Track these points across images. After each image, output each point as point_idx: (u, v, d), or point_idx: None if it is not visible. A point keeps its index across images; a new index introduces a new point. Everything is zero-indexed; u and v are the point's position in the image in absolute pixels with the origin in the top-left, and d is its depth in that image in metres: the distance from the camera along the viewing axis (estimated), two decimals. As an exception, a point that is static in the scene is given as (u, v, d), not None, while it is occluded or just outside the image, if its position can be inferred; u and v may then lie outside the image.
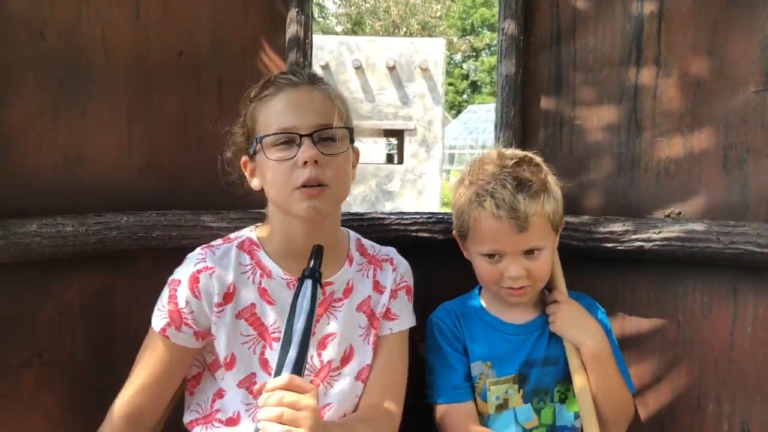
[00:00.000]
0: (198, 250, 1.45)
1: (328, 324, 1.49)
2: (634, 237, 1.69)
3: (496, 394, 1.58)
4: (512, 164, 1.54)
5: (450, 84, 37.89)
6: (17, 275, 1.61)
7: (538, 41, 1.85)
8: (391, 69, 13.64)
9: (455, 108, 38.51)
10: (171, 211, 1.72)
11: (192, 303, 1.39)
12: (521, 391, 1.59)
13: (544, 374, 1.60)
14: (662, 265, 1.73)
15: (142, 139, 1.75)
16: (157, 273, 1.51)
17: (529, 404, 1.59)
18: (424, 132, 14.06)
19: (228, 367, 1.43)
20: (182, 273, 1.41)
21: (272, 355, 1.43)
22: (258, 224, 1.55)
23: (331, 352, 1.49)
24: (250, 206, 1.73)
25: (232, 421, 1.44)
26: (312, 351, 1.47)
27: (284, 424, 1.16)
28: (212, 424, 1.46)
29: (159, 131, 1.77)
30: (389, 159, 19.27)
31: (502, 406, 1.59)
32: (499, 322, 1.63)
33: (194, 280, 1.39)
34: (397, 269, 1.60)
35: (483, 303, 1.67)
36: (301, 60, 1.76)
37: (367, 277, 1.56)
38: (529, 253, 1.52)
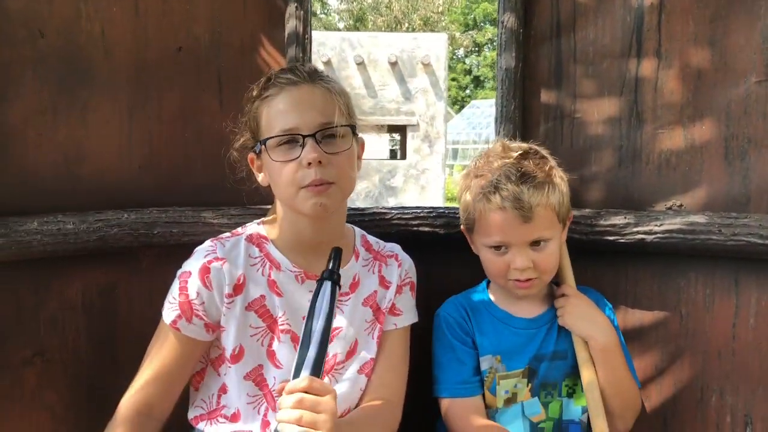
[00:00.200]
0: (207, 242, 1.47)
1: (334, 318, 1.49)
2: (635, 230, 1.68)
3: (506, 388, 1.59)
4: (517, 156, 1.55)
5: (453, 79, 37.83)
6: (19, 273, 1.61)
7: (538, 34, 1.85)
8: (393, 65, 13.63)
9: (458, 103, 38.47)
10: (172, 207, 1.72)
11: (203, 294, 1.40)
12: (530, 385, 1.59)
13: (553, 368, 1.60)
14: (664, 258, 1.72)
15: (142, 136, 1.75)
16: (159, 270, 1.52)
17: (537, 398, 1.59)
18: (426, 127, 14.05)
19: (234, 360, 1.43)
20: (192, 265, 1.42)
21: (280, 348, 1.44)
22: (263, 219, 1.56)
23: (336, 346, 1.50)
24: (251, 203, 1.73)
25: (235, 417, 1.45)
26: None
27: (303, 426, 1.17)
28: (217, 420, 1.47)
29: (159, 128, 1.76)
30: (392, 155, 19.27)
31: (511, 400, 1.59)
32: (509, 316, 1.63)
33: (205, 271, 1.40)
34: (402, 265, 1.61)
35: (491, 297, 1.67)
36: (301, 55, 1.76)
37: (373, 272, 1.58)
38: (536, 244, 1.53)
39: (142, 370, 1.44)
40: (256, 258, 1.46)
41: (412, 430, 1.61)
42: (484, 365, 1.60)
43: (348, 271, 1.53)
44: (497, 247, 1.54)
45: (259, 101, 1.43)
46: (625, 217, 1.70)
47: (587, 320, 1.58)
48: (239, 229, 1.54)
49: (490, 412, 1.60)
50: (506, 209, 1.49)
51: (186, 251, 1.47)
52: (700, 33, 1.69)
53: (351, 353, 1.52)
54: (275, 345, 1.45)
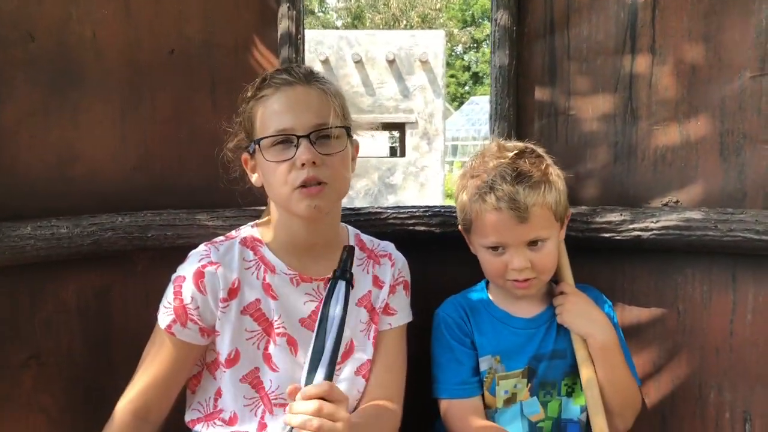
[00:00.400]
0: (201, 246, 1.46)
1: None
2: (631, 226, 1.68)
3: (505, 388, 1.58)
4: (512, 156, 1.54)
5: (451, 76, 37.80)
6: (13, 278, 1.60)
7: (532, 31, 1.84)
8: (391, 62, 13.62)
9: (457, 100, 38.43)
10: (166, 210, 1.71)
11: (197, 298, 1.39)
12: (529, 384, 1.59)
13: (552, 367, 1.59)
14: (661, 255, 1.71)
15: (135, 138, 1.74)
16: (154, 273, 1.52)
17: (536, 397, 1.59)
18: (425, 124, 14.05)
19: (230, 364, 1.43)
20: (187, 269, 1.42)
21: (276, 351, 1.44)
22: (257, 222, 1.56)
23: None
24: (246, 204, 1.72)
25: (232, 421, 1.45)
26: None
27: None
28: (214, 422, 1.46)
29: (152, 130, 1.76)
30: (392, 152, 19.25)
31: (510, 400, 1.59)
32: (508, 316, 1.63)
33: (199, 275, 1.40)
34: (396, 264, 1.60)
35: (490, 297, 1.66)
36: (294, 56, 1.75)
37: (367, 272, 1.57)
38: (533, 244, 1.52)
39: (138, 375, 1.43)
40: (250, 261, 1.46)
41: (412, 430, 1.60)
42: (484, 366, 1.59)
43: None
44: (494, 248, 1.54)
45: (254, 101, 1.42)
46: (621, 214, 1.70)
47: (586, 318, 1.57)
48: (233, 232, 1.53)
49: (490, 412, 1.60)
50: (502, 210, 1.48)
51: (181, 254, 1.47)
52: (694, 29, 1.68)
53: (347, 354, 1.51)
54: (271, 348, 1.44)
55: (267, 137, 1.38)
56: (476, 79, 40.96)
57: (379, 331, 1.56)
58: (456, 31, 36.57)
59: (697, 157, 1.69)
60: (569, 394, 1.61)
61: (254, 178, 1.48)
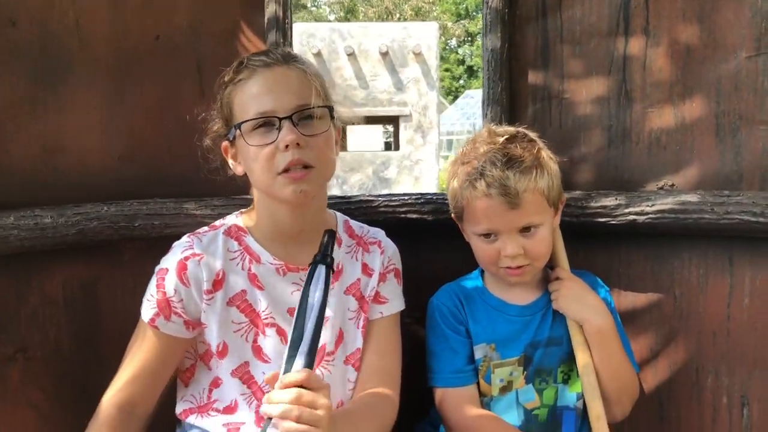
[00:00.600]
0: (184, 237, 1.44)
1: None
2: (627, 211, 1.66)
3: (501, 376, 1.56)
4: (503, 141, 1.51)
5: (446, 70, 37.78)
6: (-3, 269, 1.58)
7: (524, 14, 1.81)
8: (384, 55, 13.59)
9: (452, 94, 38.42)
10: (153, 199, 1.69)
11: (180, 291, 1.37)
12: (525, 372, 1.57)
13: (548, 355, 1.57)
14: (657, 239, 1.70)
15: (122, 127, 1.71)
16: (142, 263, 1.49)
17: (531, 385, 1.57)
18: (419, 117, 14.03)
19: (221, 356, 1.41)
20: (169, 261, 1.39)
21: (265, 342, 1.42)
22: (243, 210, 1.53)
23: (324, 337, 1.46)
24: (234, 192, 1.70)
25: (229, 410, 1.42)
26: None
27: (303, 423, 1.14)
28: (208, 413, 1.44)
29: (138, 118, 1.73)
30: (387, 147, 19.24)
31: (506, 388, 1.57)
32: (503, 303, 1.61)
33: (182, 267, 1.37)
34: (385, 252, 1.57)
35: (485, 284, 1.64)
36: (281, 40, 1.72)
37: (356, 259, 1.54)
38: (525, 230, 1.49)
39: (123, 368, 1.41)
40: (235, 252, 1.43)
41: (407, 419, 1.58)
42: (479, 354, 1.57)
43: None
44: (486, 235, 1.51)
45: (232, 86, 1.39)
46: (616, 198, 1.68)
47: (581, 303, 1.55)
48: (217, 222, 1.50)
49: (485, 400, 1.58)
50: (492, 196, 1.46)
51: (168, 243, 1.45)
52: (689, 9, 1.66)
53: (337, 343, 1.49)
54: (261, 340, 1.42)
55: (247, 121, 1.34)
56: (471, 72, 40.94)
57: (371, 320, 1.54)
58: (450, 24, 36.53)
59: (692, 139, 1.67)
60: (565, 382, 1.59)
61: (236, 166, 1.44)
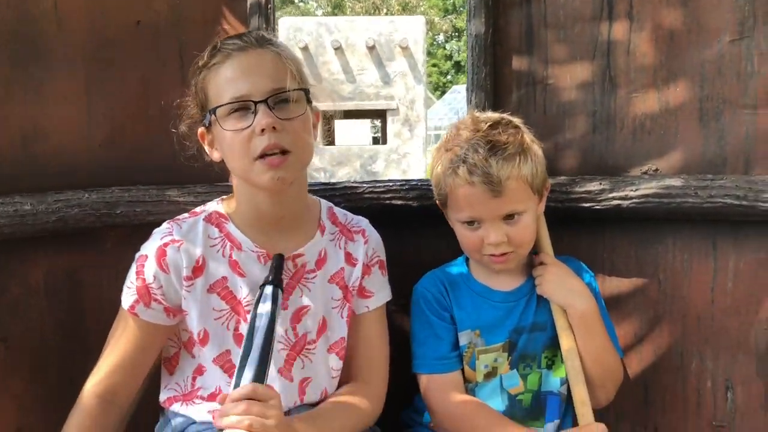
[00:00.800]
0: (164, 224, 1.42)
1: (301, 296, 1.46)
2: (611, 195, 1.66)
3: (485, 362, 1.56)
4: (487, 128, 1.50)
5: (434, 65, 37.77)
6: (-24, 257, 1.56)
7: (508, -1, 1.80)
8: (371, 49, 13.53)
9: (440, 89, 38.42)
10: (135, 186, 1.67)
11: (160, 277, 1.35)
12: (509, 358, 1.56)
13: (532, 340, 1.57)
14: (641, 223, 1.70)
15: (102, 113, 1.69)
16: (125, 250, 1.47)
17: (515, 370, 1.57)
18: (406, 111, 13.99)
19: (202, 343, 1.40)
20: (149, 248, 1.38)
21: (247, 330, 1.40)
22: (223, 197, 1.51)
23: (306, 325, 1.46)
24: (218, 179, 1.68)
25: (213, 397, 1.41)
26: (287, 325, 1.44)
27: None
28: (193, 401, 1.43)
29: (120, 104, 1.71)
30: (375, 142, 19.19)
31: (491, 374, 1.57)
32: (487, 289, 1.60)
33: (161, 253, 1.36)
34: (369, 242, 1.55)
35: (470, 270, 1.64)
36: (264, 25, 1.70)
37: (339, 247, 1.52)
38: (509, 217, 1.48)
39: (104, 357, 1.40)
40: (215, 238, 1.41)
41: (393, 407, 1.58)
42: (463, 340, 1.57)
43: (313, 247, 1.48)
44: (470, 222, 1.51)
45: (206, 70, 1.36)
46: (601, 183, 1.68)
47: (565, 288, 1.55)
48: (197, 209, 1.48)
49: (470, 386, 1.58)
50: (475, 183, 1.45)
51: (151, 231, 1.43)
52: (673, -8, 1.66)
53: (320, 332, 1.48)
54: (242, 328, 1.40)
55: (222, 105, 1.32)
56: (458, 68, 40.94)
57: (358, 314, 1.53)
58: (437, 19, 36.50)
59: (676, 123, 1.68)
60: (549, 367, 1.59)
61: (214, 155, 1.42)
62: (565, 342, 1.52)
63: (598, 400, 1.54)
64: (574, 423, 1.52)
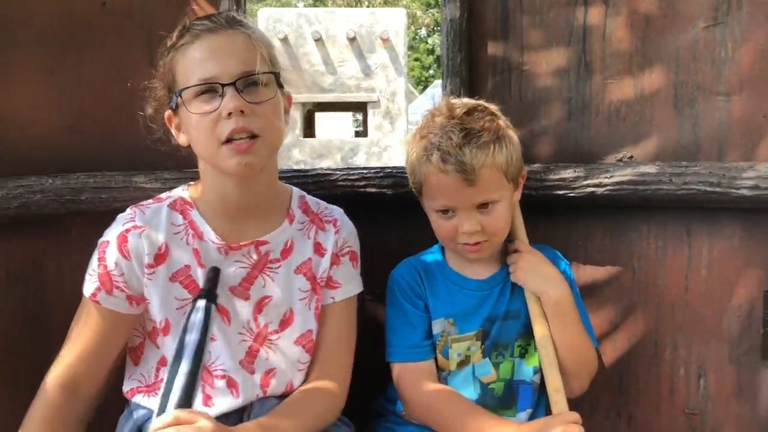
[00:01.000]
0: (127, 210, 1.39)
1: (264, 286, 1.43)
2: (585, 183, 1.64)
3: (458, 351, 1.55)
4: (462, 114, 1.47)
5: (416, 59, 37.70)
6: (-66, 245, 1.51)
7: (483, -17, 1.78)
8: (352, 40, 13.48)
9: (422, 83, 38.38)
10: (101, 172, 1.64)
11: (121, 264, 1.32)
12: (482, 346, 1.55)
13: (505, 328, 1.55)
14: (615, 211, 1.69)
15: (67, 97, 1.66)
16: (90, 238, 1.43)
17: (488, 358, 1.55)
18: (387, 103, 13.97)
19: (165, 333, 1.37)
20: (111, 234, 1.35)
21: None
22: (191, 183, 1.48)
23: (268, 316, 1.43)
24: (186, 165, 1.64)
25: (176, 388, 1.37)
26: (249, 315, 1.42)
27: None
28: (155, 393, 1.40)
29: (85, 88, 1.68)
30: (357, 135, 19.14)
31: (464, 363, 1.55)
32: (462, 278, 1.58)
33: (123, 239, 1.33)
34: (340, 232, 1.52)
35: (445, 259, 1.62)
36: (234, 8, 1.67)
37: (308, 237, 1.49)
38: (483, 206, 1.46)
39: (66, 347, 1.37)
40: (179, 225, 1.38)
41: (365, 396, 1.58)
42: (437, 329, 1.55)
43: (279, 235, 1.44)
44: (444, 211, 1.49)
45: (174, 51, 1.33)
46: (575, 171, 1.66)
47: (539, 275, 1.53)
48: (163, 195, 1.45)
49: (443, 375, 1.56)
50: (448, 172, 1.42)
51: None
52: (648, -22, 1.65)
53: (286, 323, 1.45)
54: None
55: (189, 87, 1.29)
56: (440, 62, 40.97)
57: (323, 305, 1.50)
58: (419, 13, 36.43)
59: (651, 110, 1.67)
60: (522, 356, 1.57)
61: (181, 138, 1.39)
62: (539, 329, 1.51)
63: (571, 389, 1.53)
64: (548, 412, 1.50)
